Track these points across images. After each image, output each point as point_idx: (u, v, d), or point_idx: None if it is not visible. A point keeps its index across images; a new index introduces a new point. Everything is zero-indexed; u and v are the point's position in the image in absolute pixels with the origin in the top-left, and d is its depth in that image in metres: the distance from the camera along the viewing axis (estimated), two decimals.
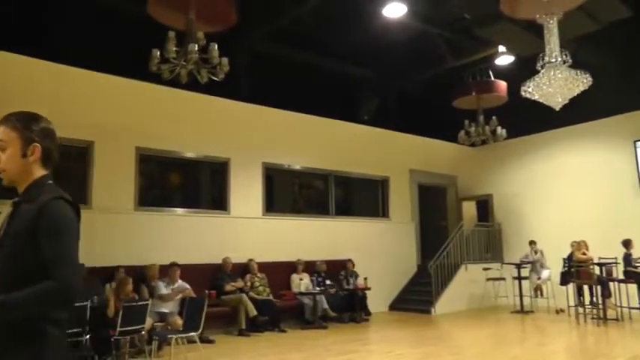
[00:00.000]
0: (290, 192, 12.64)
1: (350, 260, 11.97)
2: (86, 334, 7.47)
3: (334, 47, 11.51)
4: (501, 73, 12.10)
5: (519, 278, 12.27)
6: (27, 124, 2.13)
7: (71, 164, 9.80)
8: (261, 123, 11.35)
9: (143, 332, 7.33)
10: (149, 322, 7.46)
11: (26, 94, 8.51)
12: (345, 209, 13.21)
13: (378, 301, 12.23)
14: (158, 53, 7.28)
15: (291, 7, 10.09)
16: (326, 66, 12.32)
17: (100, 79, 9.40)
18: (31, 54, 8.57)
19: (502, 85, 11.91)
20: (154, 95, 9.94)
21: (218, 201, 11.03)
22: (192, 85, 7.92)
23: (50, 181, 2.14)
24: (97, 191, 9.35)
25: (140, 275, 8.90)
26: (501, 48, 11.31)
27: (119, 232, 9.37)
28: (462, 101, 12.35)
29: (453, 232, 13.68)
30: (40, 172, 2.13)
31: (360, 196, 13.98)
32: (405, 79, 13.48)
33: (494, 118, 12.11)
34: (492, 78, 12.08)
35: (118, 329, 6.93)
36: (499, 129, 12.03)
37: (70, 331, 7.16)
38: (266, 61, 11.48)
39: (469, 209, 14.91)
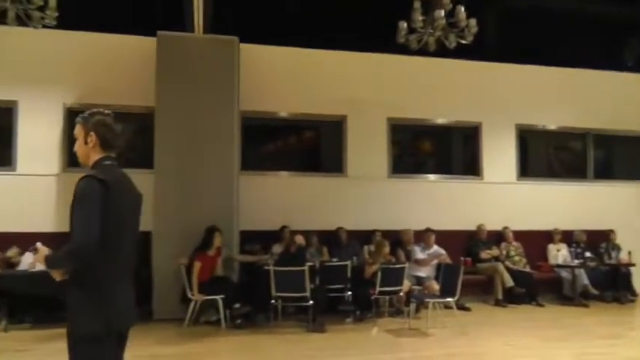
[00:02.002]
0: (545, 155, 11.76)
1: (612, 231, 10.77)
2: (348, 291, 8.05)
3: None
4: None
5: None
6: (86, 119, 2.72)
7: (325, 137, 10.52)
8: (512, 82, 10.83)
9: (401, 294, 7.66)
10: (407, 284, 7.74)
11: (290, 78, 9.73)
12: (606, 172, 11.82)
13: None
14: (405, 25, 7.33)
15: None
16: (582, 9, 11.05)
17: (349, 57, 10.02)
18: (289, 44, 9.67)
19: None
20: (402, 66, 10.18)
21: (470, 167, 10.85)
22: (440, 51, 7.81)
23: (108, 162, 2.69)
24: (352, 161, 10.02)
25: (395, 239, 9.25)
26: None
27: (374, 198, 9.89)
28: None
29: None
30: (98, 154, 2.70)
31: (622, 158, 12.35)
32: None
33: None
34: None
35: (378, 289, 7.35)
36: None
37: (333, 286, 7.91)
38: (516, 16, 10.69)
39: None
